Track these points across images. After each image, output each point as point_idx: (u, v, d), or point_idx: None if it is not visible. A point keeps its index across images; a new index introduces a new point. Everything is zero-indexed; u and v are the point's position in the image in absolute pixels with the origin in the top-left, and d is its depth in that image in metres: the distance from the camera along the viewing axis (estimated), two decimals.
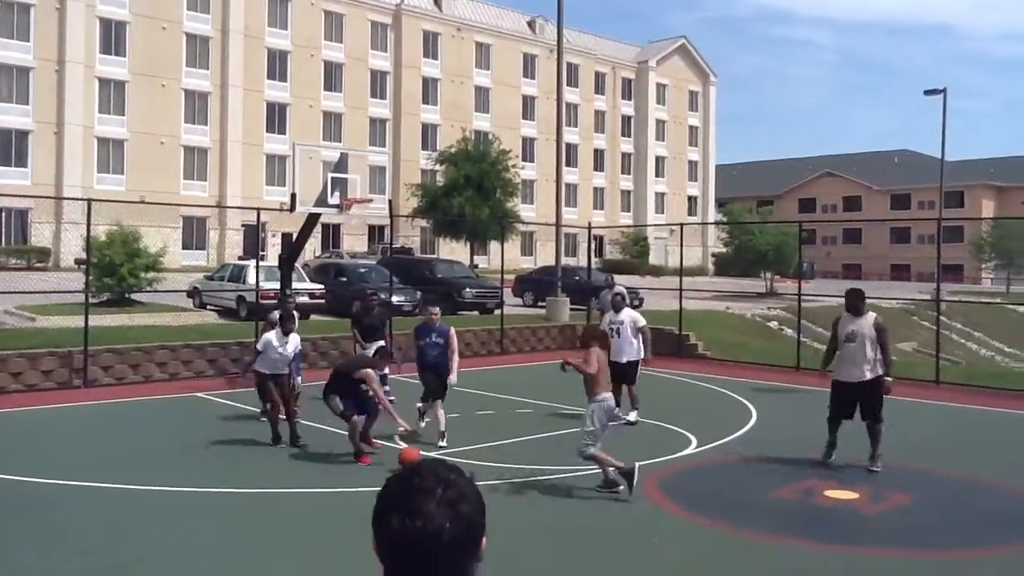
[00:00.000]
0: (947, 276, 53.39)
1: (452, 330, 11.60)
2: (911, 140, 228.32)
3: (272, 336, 11.17)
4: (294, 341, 11.44)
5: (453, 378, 11.42)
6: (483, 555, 1.69)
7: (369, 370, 10.24)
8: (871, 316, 10.32)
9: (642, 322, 13.16)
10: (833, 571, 7.05)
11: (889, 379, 10.21)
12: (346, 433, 10.13)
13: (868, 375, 10.09)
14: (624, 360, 12.56)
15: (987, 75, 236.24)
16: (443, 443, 10.84)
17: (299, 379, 12.44)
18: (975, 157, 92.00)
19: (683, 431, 12.11)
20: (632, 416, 12.67)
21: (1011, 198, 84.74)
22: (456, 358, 11.54)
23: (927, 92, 42.94)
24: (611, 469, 8.76)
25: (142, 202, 33.36)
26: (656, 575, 7.02)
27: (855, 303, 10.35)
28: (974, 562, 7.31)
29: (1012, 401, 14.27)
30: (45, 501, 8.46)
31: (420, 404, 11.57)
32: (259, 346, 11.44)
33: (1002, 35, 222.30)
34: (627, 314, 13.07)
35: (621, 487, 8.71)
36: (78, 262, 38.23)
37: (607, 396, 8.93)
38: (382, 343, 13.02)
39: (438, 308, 12.08)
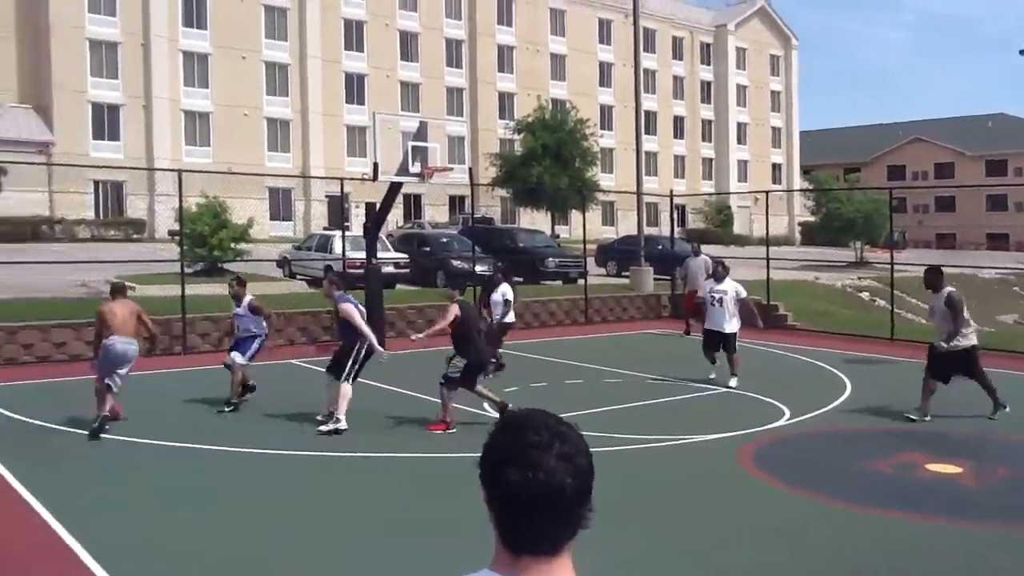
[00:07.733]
0: None
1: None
2: (1006, 103, 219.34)
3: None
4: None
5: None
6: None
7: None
8: None
9: (744, 293, 13.64)
10: (928, 543, 6.89)
11: None
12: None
13: None
14: (726, 330, 13.15)
15: None
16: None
17: None
18: None
19: (775, 402, 11.95)
20: (733, 382, 13.03)
21: None
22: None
23: (1023, 51, 41.10)
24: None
25: (230, 172, 34.13)
26: (724, 533, 6.96)
27: None
28: None
29: None
30: (196, 464, 8.78)
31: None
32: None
33: None
34: (729, 284, 13.47)
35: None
36: (171, 233, 39.42)
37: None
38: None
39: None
